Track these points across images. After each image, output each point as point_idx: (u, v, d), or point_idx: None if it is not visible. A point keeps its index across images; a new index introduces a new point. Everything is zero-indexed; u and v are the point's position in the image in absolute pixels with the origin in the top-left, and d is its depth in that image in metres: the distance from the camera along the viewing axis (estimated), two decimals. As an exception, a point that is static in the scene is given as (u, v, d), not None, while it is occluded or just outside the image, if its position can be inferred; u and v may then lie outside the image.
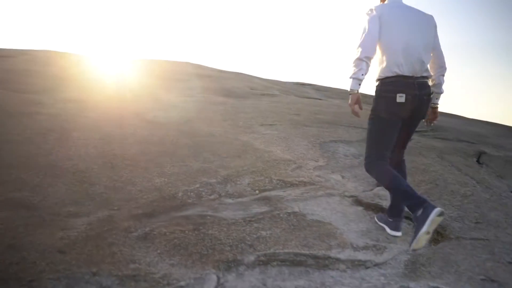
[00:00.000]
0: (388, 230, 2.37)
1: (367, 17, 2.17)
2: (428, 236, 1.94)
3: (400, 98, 2.12)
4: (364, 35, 2.15)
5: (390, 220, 2.39)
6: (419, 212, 1.96)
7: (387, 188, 2.32)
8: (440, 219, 1.93)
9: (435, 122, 2.47)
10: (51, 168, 2.72)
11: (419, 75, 2.18)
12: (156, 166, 2.99)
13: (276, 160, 3.35)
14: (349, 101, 2.23)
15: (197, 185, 2.74)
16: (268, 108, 5.41)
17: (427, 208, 1.93)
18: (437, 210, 1.90)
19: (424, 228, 1.89)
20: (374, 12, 2.16)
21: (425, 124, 2.48)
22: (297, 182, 2.96)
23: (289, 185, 2.90)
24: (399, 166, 2.41)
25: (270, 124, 4.64)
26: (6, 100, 4.32)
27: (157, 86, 7.17)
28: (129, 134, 3.61)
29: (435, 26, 2.27)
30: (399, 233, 2.35)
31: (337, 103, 8.67)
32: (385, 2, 2.30)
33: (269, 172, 3.08)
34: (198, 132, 3.93)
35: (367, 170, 2.35)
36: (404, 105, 2.15)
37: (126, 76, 8.10)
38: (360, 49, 2.14)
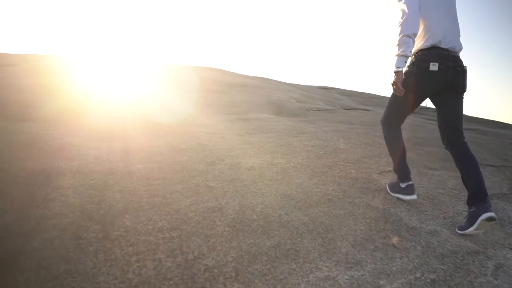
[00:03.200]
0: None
1: None
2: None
3: (433, 66, 2.13)
4: (407, 11, 2.11)
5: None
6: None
7: (390, 154, 2.47)
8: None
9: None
10: None
11: (452, 50, 2.17)
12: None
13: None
14: (395, 79, 2.19)
15: None
16: (368, 140, 3.82)
17: (409, 188, 2.36)
18: (412, 197, 2.37)
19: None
20: None
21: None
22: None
23: None
24: (459, 150, 2.23)
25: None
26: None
27: (188, 104, 5.72)
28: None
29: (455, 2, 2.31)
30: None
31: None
32: None
33: None
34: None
35: (384, 128, 2.45)
36: (436, 75, 2.14)
37: (152, 93, 6.63)
38: (405, 25, 2.10)
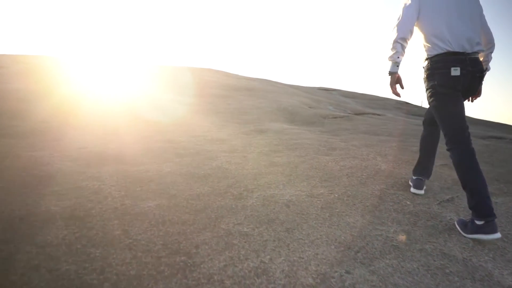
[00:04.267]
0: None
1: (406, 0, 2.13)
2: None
3: (455, 71, 2.03)
4: (401, 16, 2.10)
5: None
6: (481, 222, 1.91)
7: (459, 179, 2.06)
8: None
9: (476, 99, 2.32)
10: None
11: (469, 51, 2.05)
12: None
13: None
14: (389, 82, 2.20)
15: None
16: (408, 158, 3.29)
17: (490, 226, 1.89)
18: (495, 236, 1.87)
19: (472, 236, 1.93)
20: None
21: (468, 101, 2.26)
22: None
23: None
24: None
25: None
26: None
27: (196, 111, 5.21)
28: None
29: (479, 4, 2.17)
30: (421, 191, 2.43)
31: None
32: None
33: None
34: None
35: (450, 157, 2.13)
36: (459, 79, 2.03)
37: (156, 100, 6.12)
38: (395, 30, 2.10)
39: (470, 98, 2.29)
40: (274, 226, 1.81)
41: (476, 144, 4.64)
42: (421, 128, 4.85)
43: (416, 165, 2.50)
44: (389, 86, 2.22)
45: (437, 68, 2.08)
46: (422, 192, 2.46)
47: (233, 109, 5.76)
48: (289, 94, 8.65)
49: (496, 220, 1.94)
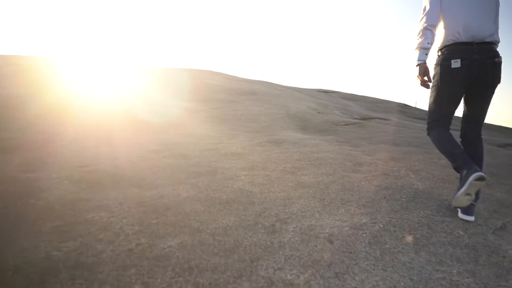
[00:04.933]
0: (459, 214, 2.14)
1: None
2: (468, 197, 2.00)
3: (455, 63, 2.06)
4: (428, 5, 2.14)
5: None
6: (464, 172, 2.01)
7: (442, 152, 2.25)
8: (480, 183, 1.96)
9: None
10: None
11: (479, 41, 2.05)
12: None
13: None
14: (418, 72, 2.19)
15: None
16: (441, 173, 2.98)
17: (470, 170, 1.98)
18: (476, 174, 1.94)
19: (463, 189, 1.97)
20: None
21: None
22: None
23: None
24: (473, 145, 2.23)
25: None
26: None
27: (203, 119, 4.90)
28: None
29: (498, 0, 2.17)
30: (472, 218, 2.11)
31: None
32: None
33: None
34: None
35: (428, 135, 2.32)
36: (459, 71, 2.06)
37: (156, 103, 5.80)
38: (424, 19, 2.13)
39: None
40: (321, 270, 1.51)
41: (498, 154, 4.39)
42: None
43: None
44: (418, 76, 2.20)
45: (442, 60, 2.13)
46: (473, 218, 2.14)
47: (241, 115, 5.46)
48: (294, 98, 8.37)
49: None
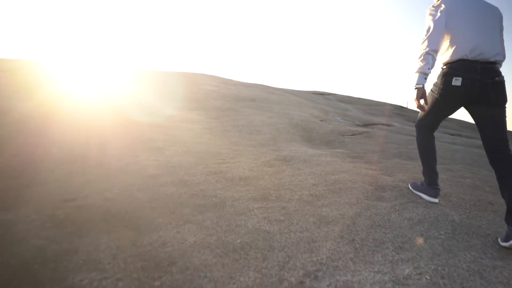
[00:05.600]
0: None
1: (434, 11, 2.17)
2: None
3: (456, 81, 2.10)
4: (432, 28, 2.12)
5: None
6: (428, 187, 2.48)
7: (420, 154, 2.53)
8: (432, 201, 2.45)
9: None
10: None
11: (483, 60, 2.08)
12: None
13: None
14: (415, 95, 2.22)
15: None
16: (482, 206, 2.68)
17: (433, 191, 2.47)
18: (433, 199, 2.46)
19: (421, 195, 2.53)
20: (442, 6, 2.17)
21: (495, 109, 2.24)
22: None
23: None
24: (504, 162, 2.08)
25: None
26: None
27: (203, 130, 4.57)
28: None
29: (501, 17, 2.22)
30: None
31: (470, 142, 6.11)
32: None
33: None
34: None
35: (416, 130, 2.53)
36: (459, 89, 2.11)
37: (151, 112, 5.45)
38: (426, 42, 2.12)
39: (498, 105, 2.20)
40: None
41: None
42: (449, 146, 4.65)
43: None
44: (415, 99, 2.25)
45: (444, 75, 2.17)
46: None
47: (242, 126, 5.13)
48: (294, 104, 8.06)
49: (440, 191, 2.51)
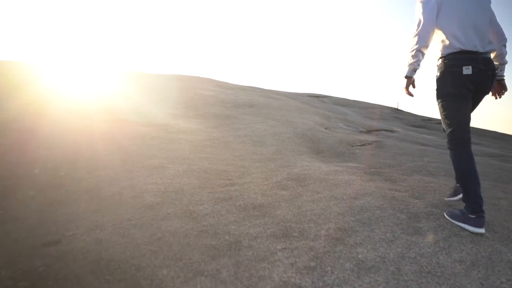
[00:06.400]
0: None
1: (423, 4, 2.17)
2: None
3: (467, 70, 2.10)
4: (421, 24, 2.14)
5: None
6: (472, 216, 2.14)
7: (457, 171, 2.29)
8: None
9: (503, 94, 2.42)
10: None
11: (482, 50, 2.14)
12: None
13: None
14: (405, 84, 2.30)
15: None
16: None
17: (478, 220, 2.12)
18: (479, 230, 2.10)
19: (464, 226, 2.16)
20: None
21: (495, 97, 2.44)
22: None
23: None
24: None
25: None
26: None
27: (203, 142, 4.22)
28: None
29: (489, 2, 2.26)
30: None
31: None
32: None
33: None
34: None
35: (449, 149, 2.29)
36: (471, 78, 2.11)
37: (148, 121, 5.06)
38: (417, 39, 2.16)
39: (495, 95, 2.41)
40: None
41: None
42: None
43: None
44: (404, 88, 2.33)
45: (451, 66, 2.15)
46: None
47: (244, 136, 4.76)
48: (295, 110, 7.72)
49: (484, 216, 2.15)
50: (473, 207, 2.18)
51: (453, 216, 2.31)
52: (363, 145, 5.07)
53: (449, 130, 2.24)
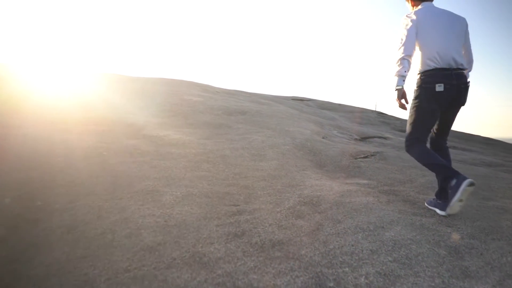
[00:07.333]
0: (438, 211, 2.53)
1: (406, 22, 2.41)
2: (461, 203, 2.32)
3: (439, 87, 2.34)
4: (404, 37, 2.37)
5: (439, 202, 2.55)
6: (453, 182, 2.28)
7: (426, 165, 2.48)
8: (471, 189, 2.25)
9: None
10: None
11: (455, 67, 2.38)
12: None
13: None
14: (396, 96, 2.45)
15: None
16: None
17: (460, 179, 2.26)
18: (468, 181, 2.22)
19: (457, 196, 2.26)
20: (413, 16, 2.42)
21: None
22: None
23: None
24: (442, 151, 2.64)
25: None
26: None
27: (198, 157, 3.87)
28: None
29: (466, 26, 2.51)
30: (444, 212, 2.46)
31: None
32: (419, 7, 2.52)
33: None
34: None
35: (407, 151, 2.56)
36: (442, 94, 2.36)
37: (136, 133, 4.64)
38: (402, 49, 2.37)
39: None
40: None
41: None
42: (469, 168, 4.38)
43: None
44: (396, 100, 2.48)
45: (425, 83, 2.41)
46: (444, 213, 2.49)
47: (242, 149, 4.40)
48: (288, 117, 7.42)
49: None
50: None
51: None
52: (366, 157, 4.81)
53: (410, 134, 2.53)
